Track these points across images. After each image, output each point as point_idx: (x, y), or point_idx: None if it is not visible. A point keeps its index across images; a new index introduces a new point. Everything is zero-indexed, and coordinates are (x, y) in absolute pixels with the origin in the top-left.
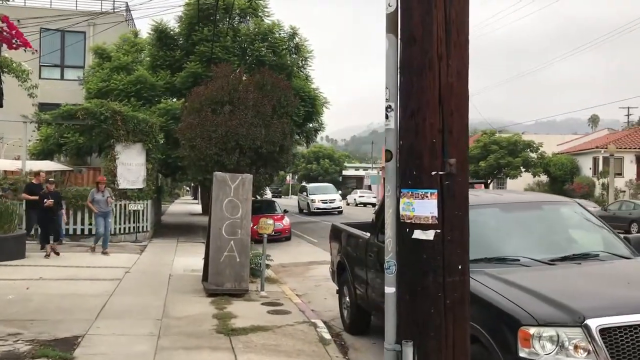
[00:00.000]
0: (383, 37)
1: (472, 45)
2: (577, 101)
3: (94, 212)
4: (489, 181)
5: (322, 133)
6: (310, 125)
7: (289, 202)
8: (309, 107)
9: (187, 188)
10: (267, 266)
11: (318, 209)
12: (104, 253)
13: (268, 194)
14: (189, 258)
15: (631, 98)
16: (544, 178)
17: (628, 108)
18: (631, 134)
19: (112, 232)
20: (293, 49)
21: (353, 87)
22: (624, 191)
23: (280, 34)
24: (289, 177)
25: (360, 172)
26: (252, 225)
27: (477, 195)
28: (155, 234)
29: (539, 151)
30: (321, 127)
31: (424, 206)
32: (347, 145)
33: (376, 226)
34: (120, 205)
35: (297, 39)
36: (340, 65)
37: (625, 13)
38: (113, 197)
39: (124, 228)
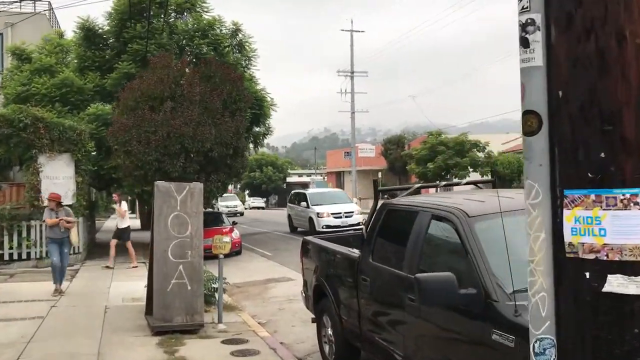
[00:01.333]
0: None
1: (401, 51)
2: (510, 103)
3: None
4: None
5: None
6: (257, 129)
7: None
8: (256, 109)
9: (125, 202)
10: (224, 290)
11: (328, 226)
12: (57, 290)
13: (237, 205)
14: (128, 283)
15: None
16: (485, 178)
17: None
18: None
19: (38, 256)
20: (236, 47)
21: (290, 94)
22: None
23: (221, 30)
24: (230, 187)
25: (305, 179)
26: None
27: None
28: (89, 255)
29: (486, 150)
30: (269, 131)
31: (629, 224)
32: (287, 152)
33: (370, 242)
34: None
35: (240, 35)
36: (274, 73)
37: None
38: (74, 218)
39: None
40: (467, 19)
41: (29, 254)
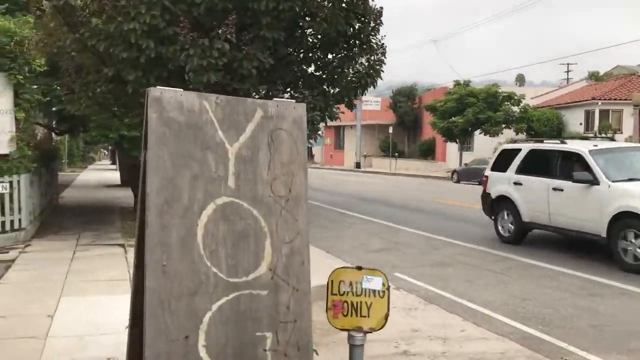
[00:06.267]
0: None
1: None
2: (491, 63)
3: None
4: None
5: None
6: None
7: None
8: None
9: (105, 151)
10: None
11: None
12: None
13: None
14: (90, 299)
15: (567, 57)
16: (521, 136)
17: (568, 64)
18: (622, 85)
19: None
20: None
21: None
22: None
23: None
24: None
25: None
26: None
27: None
28: (42, 229)
29: (522, 104)
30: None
31: None
32: None
33: None
34: None
35: None
36: None
37: None
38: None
39: None
40: None
41: None
